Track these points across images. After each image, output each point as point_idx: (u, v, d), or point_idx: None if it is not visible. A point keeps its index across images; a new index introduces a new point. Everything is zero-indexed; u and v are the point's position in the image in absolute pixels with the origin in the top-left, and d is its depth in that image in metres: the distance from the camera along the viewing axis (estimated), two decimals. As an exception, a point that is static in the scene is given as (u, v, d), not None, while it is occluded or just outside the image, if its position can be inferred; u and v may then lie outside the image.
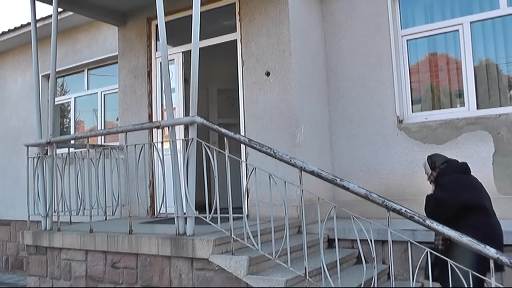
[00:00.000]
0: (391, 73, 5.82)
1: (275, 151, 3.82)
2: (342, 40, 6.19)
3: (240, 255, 3.87)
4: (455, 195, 3.58)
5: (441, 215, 3.49)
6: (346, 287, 3.81)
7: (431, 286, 3.25)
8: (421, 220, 3.15)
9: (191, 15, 4.37)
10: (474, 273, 2.98)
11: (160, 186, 6.19)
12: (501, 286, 3.13)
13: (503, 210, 4.99)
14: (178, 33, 6.28)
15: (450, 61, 5.76)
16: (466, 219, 3.26)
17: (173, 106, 6.12)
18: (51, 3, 5.82)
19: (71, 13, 7.72)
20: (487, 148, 5.18)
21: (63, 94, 9.73)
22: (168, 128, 4.42)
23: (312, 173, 3.62)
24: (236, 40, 6.01)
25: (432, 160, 3.91)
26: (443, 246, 3.58)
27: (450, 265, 3.03)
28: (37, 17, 6.17)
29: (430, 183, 3.93)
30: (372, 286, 3.38)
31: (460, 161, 3.93)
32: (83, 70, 9.23)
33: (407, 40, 5.91)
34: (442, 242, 3.60)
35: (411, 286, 3.26)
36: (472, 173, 3.84)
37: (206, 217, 4.07)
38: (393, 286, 3.76)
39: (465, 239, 3.01)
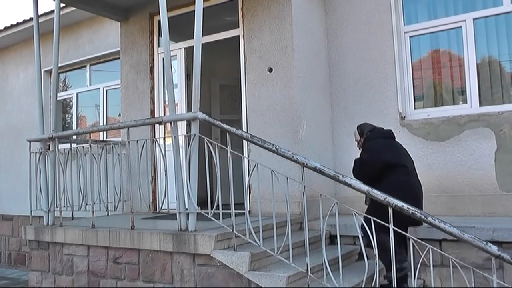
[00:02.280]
0: (394, 69, 5.80)
1: (277, 147, 3.82)
2: (345, 36, 6.17)
3: (242, 251, 3.88)
4: (377, 155, 4.03)
5: (366, 174, 3.99)
6: (347, 285, 3.82)
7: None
8: (422, 216, 3.15)
9: (194, 11, 4.36)
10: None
11: (162, 181, 6.20)
12: (505, 284, 3.14)
13: (505, 207, 4.99)
14: (181, 28, 6.28)
15: (453, 58, 5.74)
16: (387, 177, 3.60)
17: (175, 102, 6.10)
18: (53, -2, 5.81)
19: (73, 8, 7.71)
20: (489, 145, 5.16)
21: (65, 90, 9.73)
22: (170, 123, 4.41)
23: (314, 169, 3.62)
24: (238, 36, 6.00)
25: (361, 128, 4.39)
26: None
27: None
28: (40, 12, 6.18)
29: (359, 148, 4.37)
30: (373, 282, 3.39)
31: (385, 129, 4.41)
32: (85, 66, 9.23)
33: (409, 37, 5.88)
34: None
35: (413, 283, 3.26)
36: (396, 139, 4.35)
37: (208, 213, 4.08)
38: (395, 283, 3.75)
39: (467, 236, 3.02)
